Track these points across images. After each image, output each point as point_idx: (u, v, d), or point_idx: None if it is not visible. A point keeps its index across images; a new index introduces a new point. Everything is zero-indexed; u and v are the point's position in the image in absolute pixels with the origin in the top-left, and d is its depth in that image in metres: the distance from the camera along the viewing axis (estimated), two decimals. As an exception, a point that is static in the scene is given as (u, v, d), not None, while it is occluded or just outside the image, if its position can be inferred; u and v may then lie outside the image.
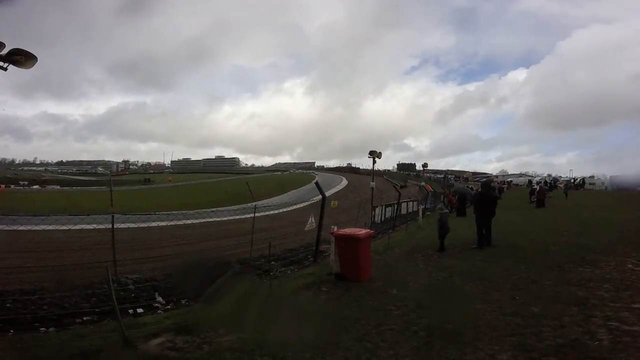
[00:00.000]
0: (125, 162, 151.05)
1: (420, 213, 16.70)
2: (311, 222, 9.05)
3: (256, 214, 9.49)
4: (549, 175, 62.61)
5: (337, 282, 6.42)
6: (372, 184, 15.57)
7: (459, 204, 18.63)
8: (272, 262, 6.85)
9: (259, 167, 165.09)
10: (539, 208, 20.97)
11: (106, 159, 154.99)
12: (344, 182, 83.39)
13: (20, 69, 4.01)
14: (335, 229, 7.19)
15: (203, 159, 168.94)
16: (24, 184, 79.12)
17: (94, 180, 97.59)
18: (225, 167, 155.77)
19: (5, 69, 3.93)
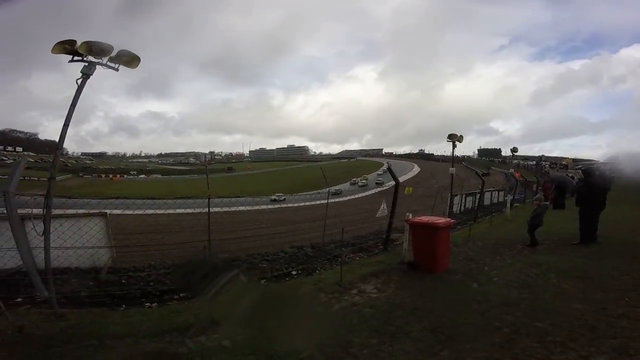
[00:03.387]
0: (211, 152, 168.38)
1: (508, 204, 14.89)
2: (383, 209, 8.77)
3: (324, 201, 9.61)
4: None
5: (410, 271, 6.13)
6: (452, 169, 14.17)
7: (557, 195, 15.97)
8: (342, 248, 6.84)
9: (326, 155, 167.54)
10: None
11: (196, 151, 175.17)
12: (416, 169, 79.55)
13: (128, 69, 4.58)
14: (410, 216, 6.83)
15: (276, 148, 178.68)
16: (133, 173, 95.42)
17: (186, 170, 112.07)
18: (295, 155, 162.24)
19: (117, 69, 4.53)
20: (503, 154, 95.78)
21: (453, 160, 15.34)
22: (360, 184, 59.74)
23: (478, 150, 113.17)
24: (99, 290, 5.21)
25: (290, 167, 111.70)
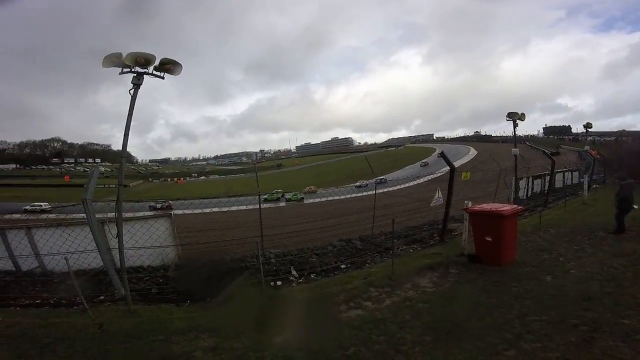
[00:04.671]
0: (261, 151, 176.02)
1: (585, 185, 13.06)
2: (438, 197, 8.23)
3: (372, 191, 9.34)
4: None
5: (470, 264, 5.69)
6: (515, 150, 12.73)
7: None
8: (394, 240, 6.57)
9: (371, 145, 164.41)
10: None
11: (248, 150, 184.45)
12: (472, 152, 73.90)
13: (175, 77, 4.85)
14: (470, 204, 6.33)
15: (321, 142, 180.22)
16: (194, 176, 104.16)
17: (240, 169, 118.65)
18: (339, 147, 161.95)
19: (163, 77, 4.83)
20: (574, 130, 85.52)
21: (515, 140, 13.78)
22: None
23: (543, 128, 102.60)
24: (167, 287, 5.65)
25: (335, 159, 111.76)
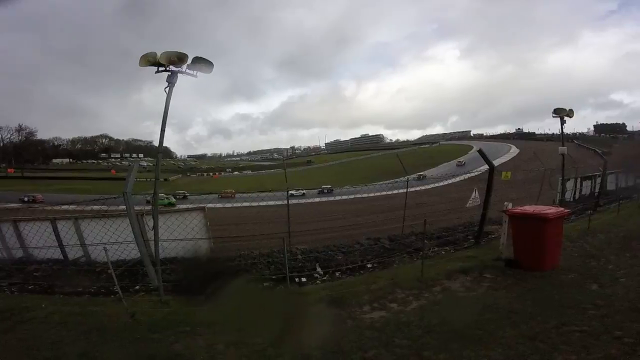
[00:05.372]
0: (292, 147, 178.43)
1: (642, 187, 11.77)
2: (474, 197, 7.82)
3: (404, 190, 9.07)
4: None
5: (507, 269, 5.34)
6: (563, 149, 11.74)
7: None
8: (425, 241, 6.34)
9: (404, 142, 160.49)
10: None
11: (279, 147, 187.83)
12: (513, 150, 69.52)
13: (211, 75, 4.99)
14: (510, 206, 5.93)
15: (350, 139, 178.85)
16: (228, 171, 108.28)
17: (272, 165, 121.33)
18: (370, 144, 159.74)
19: (195, 76, 4.98)
20: (629, 128, 78.20)
21: (563, 138, 12.70)
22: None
23: (594, 126, 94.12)
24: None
25: (365, 156, 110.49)
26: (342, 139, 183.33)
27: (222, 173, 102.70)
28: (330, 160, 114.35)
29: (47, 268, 6.89)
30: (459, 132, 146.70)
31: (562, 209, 5.97)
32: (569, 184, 12.01)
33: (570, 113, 11.57)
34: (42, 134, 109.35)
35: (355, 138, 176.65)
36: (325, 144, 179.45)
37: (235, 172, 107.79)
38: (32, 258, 7.54)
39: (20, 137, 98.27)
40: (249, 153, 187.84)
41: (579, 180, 12.68)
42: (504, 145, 78.53)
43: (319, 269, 6.40)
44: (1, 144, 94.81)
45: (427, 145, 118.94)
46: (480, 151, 7.64)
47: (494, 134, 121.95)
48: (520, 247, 5.37)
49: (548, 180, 11.06)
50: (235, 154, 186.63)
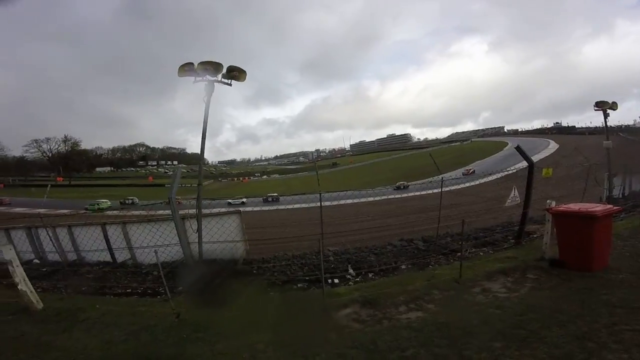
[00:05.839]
0: (317, 150, 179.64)
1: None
2: (514, 196, 7.48)
3: (434, 190, 8.86)
4: None
5: (552, 269, 5.08)
6: (608, 143, 10.94)
7: None
8: (462, 242, 6.18)
9: (432, 140, 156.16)
10: None
11: (304, 150, 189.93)
12: (552, 145, 65.38)
13: (239, 82, 5.16)
14: (553, 204, 5.67)
15: (377, 139, 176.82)
16: (257, 175, 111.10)
17: (298, 168, 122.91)
18: (397, 145, 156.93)
19: (230, 84, 5.16)
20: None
21: (607, 131, 11.83)
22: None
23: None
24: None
25: (392, 156, 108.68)
26: (368, 139, 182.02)
27: (251, 177, 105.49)
28: (357, 161, 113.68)
29: (98, 270, 7.35)
30: (491, 128, 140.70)
31: (610, 206, 5.59)
32: (617, 180, 11.15)
33: (613, 105, 10.77)
34: (86, 144, 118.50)
35: (382, 138, 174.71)
36: (350, 145, 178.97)
37: (264, 176, 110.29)
38: (84, 260, 8.14)
39: (66, 147, 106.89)
40: (276, 157, 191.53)
41: (628, 175, 11.73)
42: (541, 140, 74.18)
43: (351, 270, 6.38)
44: (50, 154, 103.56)
45: (457, 143, 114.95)
46: (518, 147, 7.28)
47: (530, 129, 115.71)
48: (566, 247, 5.10)
49: (593, 176, 10.32)
50: (263, 158, 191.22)
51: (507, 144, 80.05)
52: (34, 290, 4.85)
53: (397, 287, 4.99)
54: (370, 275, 6.14)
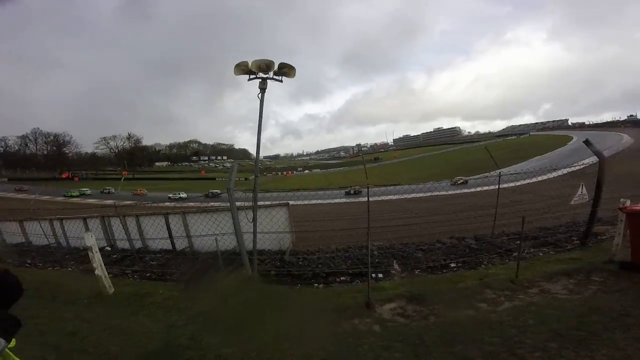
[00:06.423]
0: (358, 145, 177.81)
1: None
2: (581, 194, 6.82)
3: (487, 187, 8.37)
4: None
5: (622, 272, 4.64)
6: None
7: None
8: (519, 240, 5.84)
9: (484, 134, 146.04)
10: None
11: (345, 145, 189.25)
12: (626, 140, 57.71)
13: (288, 79, 5.26)
14: (628, 203, 5.14)
15: (422, 133, 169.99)
16: (300, 170, 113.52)
17: (339, 163, 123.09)
18: (445, 139, 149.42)
19: (281, 81, 5.25)
20: None
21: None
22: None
23: None
24: (283, 270, 6.32)
25: (440, 151, 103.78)
26: (413, 134, 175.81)
27: (294, 172, 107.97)
28: (401, 156, 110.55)
29: (160, 257, 7.99)
30: (553, 121, 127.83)
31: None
32: None
33: None
34: (146, 141, 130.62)
35: (428, 132, 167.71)
36: (393, 140, 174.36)
37: (306, 171, 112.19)
38: (149, 248, 8.90)
39: (130, 144, 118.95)
40: (317, 152, 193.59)
41: None
42: (612, 134, 65.72)
43: (396, 266, 6.32)
44: (116, 151, 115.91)
45: (513, 137, 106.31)
46: (586, 141, 6.60)
47: (598, 122, 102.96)
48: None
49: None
50: (304, 153, 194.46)
51: (572, 138, 72.20)
52: (107, 276, 5.24)
53: (446, 284, 4.89)
54: (416, 272, 6.05)
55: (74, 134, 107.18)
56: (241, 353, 3.27)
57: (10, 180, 71.42)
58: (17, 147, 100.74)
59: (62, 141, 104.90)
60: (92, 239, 5.19)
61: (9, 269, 0.79)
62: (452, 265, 6.16)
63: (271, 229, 7.09)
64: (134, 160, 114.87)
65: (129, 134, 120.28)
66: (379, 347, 3.26)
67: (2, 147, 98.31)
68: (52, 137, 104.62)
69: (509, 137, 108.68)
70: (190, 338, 3.65)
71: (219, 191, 46.44)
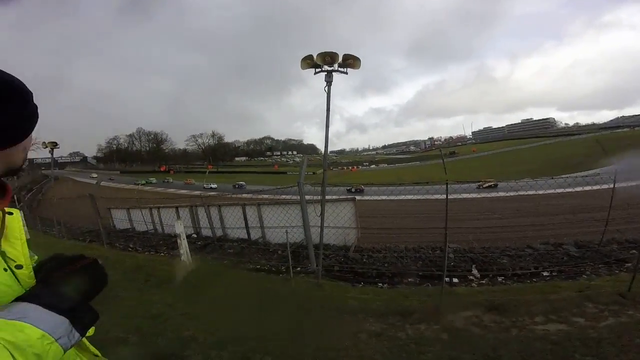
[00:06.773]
0: (430, 138, 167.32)
1: None
2: None
3: (592, 187, 7.04)
4: None
5: None
6: None
7: None
8: (632, 251, 4.82)
9: (586, 126, 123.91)
10: None
11: (416, 139, 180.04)
12: None
13: (353, 70, 5.11)
14: None
15: (506, 125, 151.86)
16: (365, 164, 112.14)
17: (408, 158, 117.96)
18: (535, 131, 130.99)
19: (346, 73, 5.11)
20: None
21: None
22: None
23: None
24: (347, 266, 6.23)
25: (528, 145, 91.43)
26: (495, 125, 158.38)
27: (360, 167, 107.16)
28: (481, 150, 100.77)
29: (237, 246, 8.55)
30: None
31: None
32: None
33: None
34: (228, 138, 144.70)
35: (514, 124, 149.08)
36: (472, 132, 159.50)
37: (372, 166, 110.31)
38: (228, 237, 9.68)
39: (214, 141, 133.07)
40: (384, 146, 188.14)
41: None
42: None
43: (475, 271, 5.80)
44: (203, 147, 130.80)
45: (625, 129, 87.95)
46: None
47: None
48: None
49: None
50: (370, 148, 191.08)
51: None
52: (191, 262, 5.71)
53: (535, 294, 4.29)
54: (499, 279, 5.46)
55: (168, 132, 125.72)
56: (295, 354, 3.19)
57: (122, 172, 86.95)
58: (126, 145, 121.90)
59: (160, 139, 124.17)
60: (180, 227, 5.77)
61: (97, 259, 0.84)
62: (545, 273, 5.39)
63: (337, 223, 7.07)
64: (217, 156, 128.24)
65: (213, 132, 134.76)
66: (445, 357, 3.00)
67: (115, 145, 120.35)
68: (152, 136, 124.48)
69: (620, 130, 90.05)
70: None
71: (243, 183, 54.95)
